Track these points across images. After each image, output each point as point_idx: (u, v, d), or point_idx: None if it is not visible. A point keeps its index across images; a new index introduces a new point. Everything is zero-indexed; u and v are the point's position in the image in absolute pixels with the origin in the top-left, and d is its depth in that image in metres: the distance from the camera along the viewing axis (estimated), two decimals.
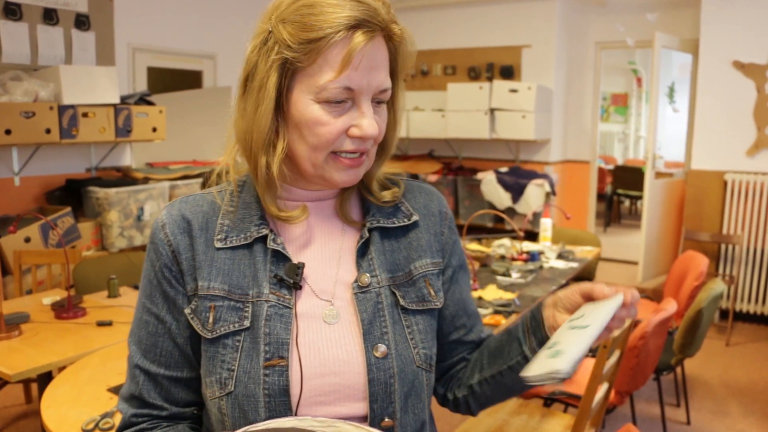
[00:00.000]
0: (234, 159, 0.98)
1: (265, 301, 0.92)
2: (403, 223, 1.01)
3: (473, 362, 1.08)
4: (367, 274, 0.96)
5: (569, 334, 0.86)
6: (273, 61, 0.87)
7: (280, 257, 0.95)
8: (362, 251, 0.99)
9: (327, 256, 0.98)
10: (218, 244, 0.94)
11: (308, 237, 0.99)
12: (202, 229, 0.95)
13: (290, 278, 0.93)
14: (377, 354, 0.92)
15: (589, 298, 0.93)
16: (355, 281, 0.96)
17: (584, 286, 0.94)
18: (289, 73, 0.88)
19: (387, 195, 1.02)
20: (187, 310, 0.93)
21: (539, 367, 0.82)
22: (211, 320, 0.91)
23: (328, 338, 0.93)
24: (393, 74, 0.94)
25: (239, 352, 0.90)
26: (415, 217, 1.02)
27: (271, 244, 0.94)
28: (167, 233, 0.95)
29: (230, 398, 0.89)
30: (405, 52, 0.93)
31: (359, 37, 0.85)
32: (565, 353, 0.81)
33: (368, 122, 0.89)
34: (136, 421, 0.96)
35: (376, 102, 0.92)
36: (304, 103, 0.88)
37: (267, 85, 0.88)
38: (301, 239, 0.99)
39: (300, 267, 0.94)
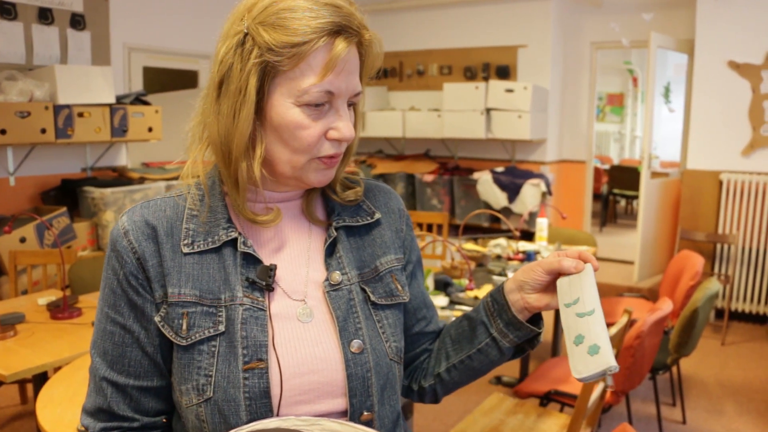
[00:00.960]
0: (201, 161, 0.97)
1: (240, 304, 0.91)
2: (366, 221, 1.04)
3: (436, 352, 1.12)
4: (338, 272, 0.98)
5: (585, 324, 0.90)
6: (253, 65, 0.87)
7: (250, 260, 0.94)
8: (330, 250, 1.00)
9: (296, 257, 0.99)
10: (185, 249, 0.92)
11: (276, 238, 0.99)
12: (168, 235, 0.93)
13: (263, 280, 0.93)
14: (353, 349, 0.94)
15: (554, 274, 0.97)
16: (326, 280, 0.97)
17: (547, 263, 0.97)
18: (269, 77, 0.88)
19: (350, 194, 1.04)
20: (156, 318, 0.91)
21: (587, 366, 0.87)
22: (184, 327, 0.90)
23: (304, 337, 0.93)
24: (360, 77, 0.95)
25: (215, 357, 0.89)
26: (377, 215, 1.05)
27: (241, 247, 0.94)
28: (131, 240, 0.92)
29: (209, 404, 0.88)
30: (373, 55, 0.95)
31: (341, 43, 0.87)
32: (602, 347, 0.87)
33: (345, 124, 0.91)
34: None
35: (348, 105, 0.94)
36: (285, 107, 0.88)
37: (247, 88, 0.87)
38: (270, 241, 0.99)
39: (272, 269, 0.94)
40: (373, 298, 0.99)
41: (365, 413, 0.93)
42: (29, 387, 3.49)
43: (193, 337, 0.90)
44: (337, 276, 0.97)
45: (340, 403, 0.93)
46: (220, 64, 0.90)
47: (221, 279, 0.92)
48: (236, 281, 0.92)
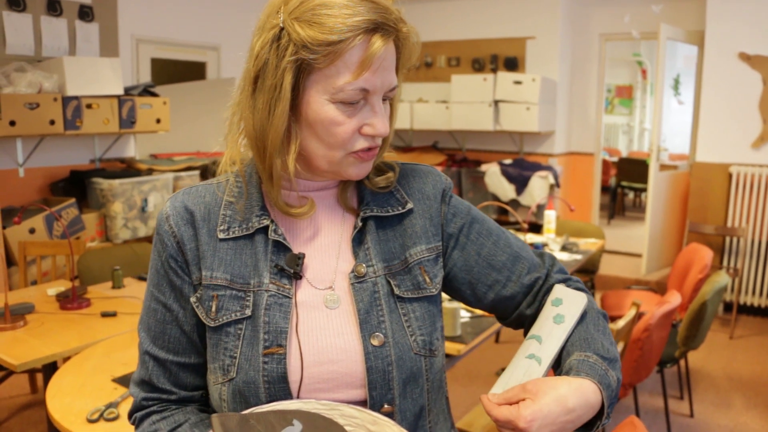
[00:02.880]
0: (238, 150, 0.99)
1: (265, 290, 0.93)
2: (397, 212, 1.02)
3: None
4: (363, 264, 0.98)
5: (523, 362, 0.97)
6: (288, 62, 0.87)
7: (281, 247, 0.96)
8: (358, 240, 1.00)
9: (327, 246, 1.00)
10: (221, 235, 0.96)
11: (310, 227, 1.00)
12: (205, 220, 0.97)
13: (291, 268, 0.95)
14: (374, 342, 0.93)
15: None
16: (352, 271, 0.97)
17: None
18: (304, 74, 0.88)
19: (381, 181, 1.02)
20: (192, 299, 0.96)
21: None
22: (214, 309, 0.94)
23: (326, 327, 0.94)
24: (396, 70, 0.95)
25: (241, 340, 0.92)
26: (409, 205, 1.02)
27: (272, 235, 0.96)
28: (171, 224, 0.97)
29: (231, 384, 0.91)
30: (410, 48, 0.94)
31: (377, 41, 0.86)
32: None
33: (380, 121, 0.91)
34: (146, 404, 0.98)
35: (386, 100, 0.93)
36: (320, 103, 0.89)
37: (283, 85, 0.87)
38: (304, 230, 1.00)
39: (300, 257, 0.96)
40: (397, 291, 0.98)
41: (386, 406, 0.93)
42: (39, 376, 3.52)
43: (221, 319, 0.93)
44: (362, 268, 0.97)
45: (360, 394, 0.93)
46: (256, 59, 0.90)
47: (252, 265, 0.95)
48: (265, 268, 0.95)
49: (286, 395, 0.90)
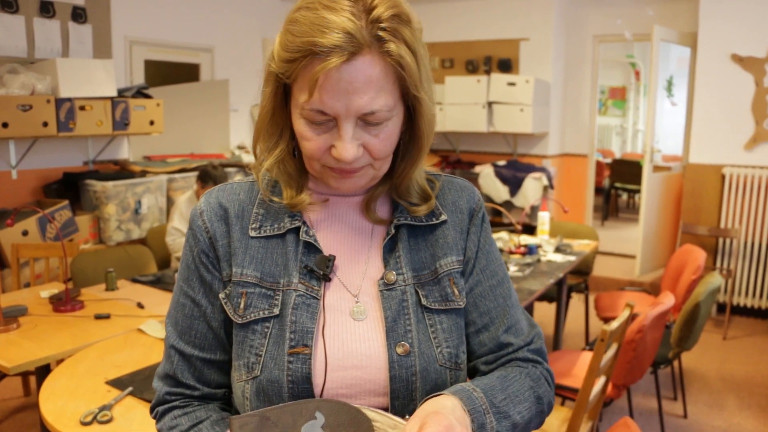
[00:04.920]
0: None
1: (294, 290, 0.94)
2: (431, 222, 1.00)
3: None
4: (394, 272, 0.97)
5: None
6: (269, 72, 0.90)
7: (311, 249, 0.97)
8: (390, 247, 0.99)
9: (356, 251, 0.99)
10: (252, 233, 0.97)
11: (339, 231, 1.00)
12: (238, 217, 0.98)
13: (320, 269, 0.95)
14: (399, 351, 0.92)
15: None
16: (382, 278, 0.97)
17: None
18: (282, 85, 0.90)
19: (422, 210, 1.00)
20: (221, 295, 0.96)
21: None
22: (242, 306, 0.94)
23: (352, 332, 0.94)
24: (406, 89, 0.89)
25: (267, 338, 0.92)
26: (443, 217, 1.01)
27: (303, 236, 0.96)
28: (204, 220, 0.98)
29: (255, 382, 0.91)
30: (410, 64, 0.87)
31: (330, 62, 0.81)
32: None
33: (344, 146, 0.86)
34: (169, 399, 0.99)
35: (368, 123, 0.87)
36: (295, 116, 0.90)
37: (265, 92, 0.92)
38: (333, 233, 1.00)
39: (331, 259, 0.96)
40: (425, 302, 0.96)
41: (407, 416, 0.91)
42: (32, 379, 3.50)
43: (248, 317, 0.94)
44: (392, 276, 0.96)
45: (382, 401, 0.92)
46: (265, 68, 0.92)
47: (282, 264, 0.96)
48: (294, 268, 0.95)
49: (309, 397, 0.90)
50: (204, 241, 0.97)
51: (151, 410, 1.00)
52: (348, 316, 0.95)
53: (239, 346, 0.94)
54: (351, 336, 0.93)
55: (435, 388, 0.94)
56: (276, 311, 0.93)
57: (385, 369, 0.92)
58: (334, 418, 0.82)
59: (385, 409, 0.92)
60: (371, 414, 0.84)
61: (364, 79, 0.84)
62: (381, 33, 0.83)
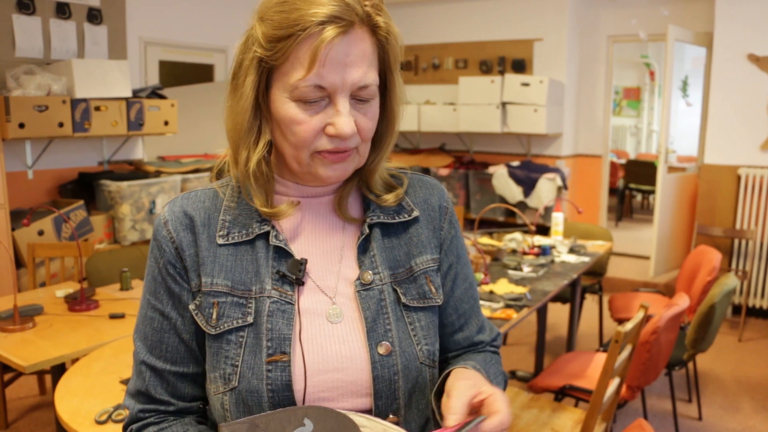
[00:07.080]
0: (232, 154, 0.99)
1: (267, 297, 0.92)
2: (403, 219, 1.00)
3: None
4: (370, 272, 0.96)
5: None
6: (251, 60, 0.88)
7: (282, 253, 0.94)
8: (363, 247, 0.98)
9: (329, 252, 0.98)
10: (220, 240, 0.94)
11: (310, 233, 0.99)
12: (204, 225, 0.95)
13: (293, 274, 0.93)
14: (381, 351, 0.92)
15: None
16: (358, 279, 0.96)
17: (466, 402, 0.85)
18: (266, 71, 0.88)
19: (390, 198, 1.00)
20: (191, 306, 0.93)
21: None
22: (214, 316, 0.91)
23: (331, 334, 0.93)
24: (386, 67, 0.92)
25: (243, 348, 0.90)
26: (415, 213, 1.01)
27: (273, 241, 0.94)
28: (170, 230, 0.95)
29: (234, 393, 0.89)
30: (393, 43, 0.91)
31: (328, 33, 0.83)
32: None
33: (343, 120, 0.86)
34: (143, 416, 0.96)
35: (359, 99, 0.89)
36: (281, 101, 0.88)
37: (245, 83, 0.89)
38: (303, 235, 0.98)
39: (303, 263, 0.94)
40: (404, 299, 0.97)
41: (391, 416, 0.92)
42: (48, 378, 3.53)
43: (222, 327, 0.91)
44: (368, 275, 0.96)
45: (365, 402, 0.92)
46: (234, 60, 0.91)
47: (253, 271, 0.93)
48: (266, 274, 0.93)
49: (290, 404, 0.88)
50: (170, 252, 0.94)
51: (124, 429, 0.97)
52: (324, 319, 0.93)
53: (214, 357, 0.92)
54: (329, 339, 0.92)
55: (416, 386, 0.94)
56: (250, 319, 0.91)
57: (368, 370, 0.91)
58: (323, 424, 0.81)
59: (369, 411, 0.91)
60: (359, 420, 0.84)
61: (359, 52, 0.86)
62: (368, 9, 0.86)
